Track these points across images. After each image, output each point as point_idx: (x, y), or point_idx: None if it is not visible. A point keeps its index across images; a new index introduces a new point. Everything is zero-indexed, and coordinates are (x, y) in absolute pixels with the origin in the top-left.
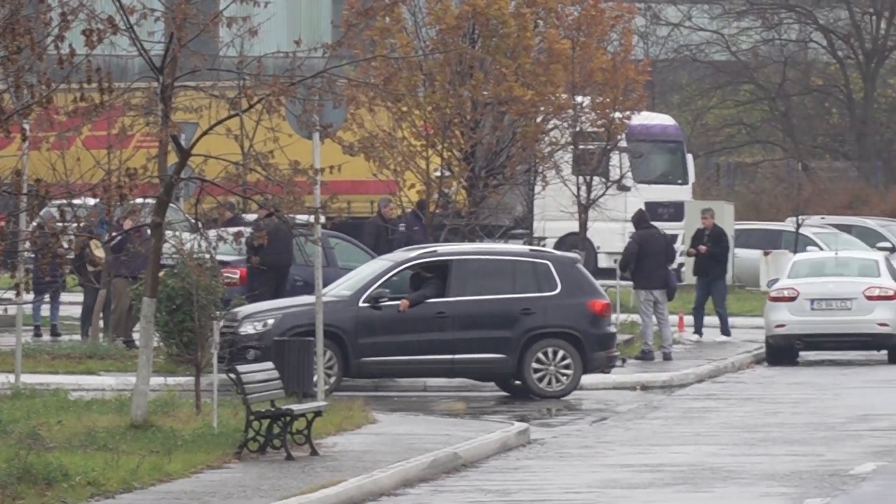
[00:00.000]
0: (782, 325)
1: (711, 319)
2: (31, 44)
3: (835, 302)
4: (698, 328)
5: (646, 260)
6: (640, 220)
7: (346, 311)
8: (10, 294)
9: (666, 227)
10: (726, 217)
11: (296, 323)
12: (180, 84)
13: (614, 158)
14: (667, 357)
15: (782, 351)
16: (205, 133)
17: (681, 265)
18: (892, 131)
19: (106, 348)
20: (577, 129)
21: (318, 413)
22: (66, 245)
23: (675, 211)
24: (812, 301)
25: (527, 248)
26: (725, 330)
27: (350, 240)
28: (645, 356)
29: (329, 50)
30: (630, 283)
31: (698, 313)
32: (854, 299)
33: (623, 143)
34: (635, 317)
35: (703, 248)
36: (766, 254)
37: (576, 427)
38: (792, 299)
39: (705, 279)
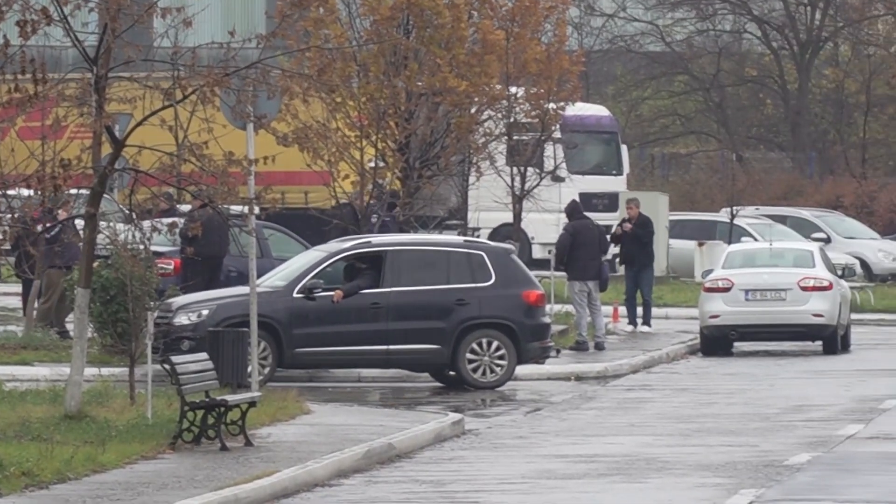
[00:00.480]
0: (717, 316)
1: (660, 311)
2: None
3: (769, 293)
4: (632, 319)
5: (580, 251)
6: (574, 211)
7: (280, 301)
8: None
9: (600, 217)
10: (661, 208)
11: (230, 314)
12: (114, 75)
13: (548, 149)
14: (599, 347)
15: (717, 341)
16: (139, 124)
17: (614, 256)
18: (827, 122)
19: (40, 339)
20: (512, 119)
21: (252, 404)
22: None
23: (609, 202)
24: (747, 292)
25: (461, 238)
26: (647, 321)
27: (284, 230)
28: (579, 347)
29: (263, 41)
30: (565, 273)
31: (630, 304)
32: (789, 290)
33: (557, 134)
34: (569, 307)
35: (627, 225)
36: (700, 244)
37: (510, 418)
38: (726, 290)
39: (633, 269)
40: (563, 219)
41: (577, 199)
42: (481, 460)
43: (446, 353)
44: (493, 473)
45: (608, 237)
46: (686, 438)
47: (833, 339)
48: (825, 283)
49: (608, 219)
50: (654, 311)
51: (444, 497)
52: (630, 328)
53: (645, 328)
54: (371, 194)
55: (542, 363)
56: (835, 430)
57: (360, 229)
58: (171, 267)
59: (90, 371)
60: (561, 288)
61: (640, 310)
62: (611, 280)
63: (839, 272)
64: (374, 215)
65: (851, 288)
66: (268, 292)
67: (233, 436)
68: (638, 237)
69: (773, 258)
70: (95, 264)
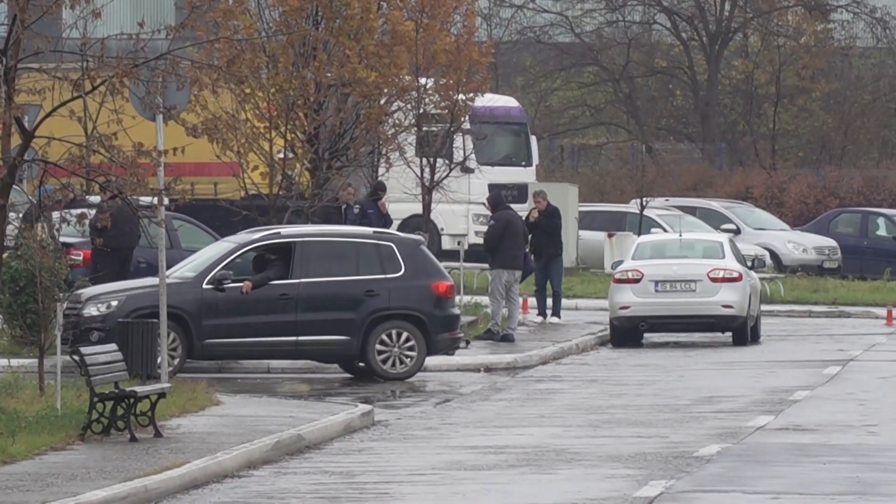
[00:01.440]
0: (626, 307)
1: (570, 302)
2: None
3: (679, 284)
4: (541, 310)
5: (509, 241)
6: (499, 201)
7: (189, 292)
8: None
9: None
10: (570, 199)
11: (139, 305)
12: (23, 66)
13: (458, 140)
14: (507, 338)
15: (627, 333)
16: (48, 115)
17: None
18: (737, 113)
19: None
20: (421, 110)
21: (161, 395)
22: None
23: (518, 193)
24: (656, 283)
25: (370, 230)
26: (557, 311)
27: (194, 222)
28: (492, 336)
29: (172, 32)
30: (474, 264)
31: (540, 295)
32: (698, 281)
33: (467, 125)
34: (479, 298)
35: (535, 213)
36: (610, 236)
37: (420, 409)
38: (636, 281)
39: (542, 260)
40: (473, 210)
41: (487, 190)
42: (391, 451)
43: (356, 344)
44: (403, 465)
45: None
46: (596, 430)
47: (743, 331)
48: (735, 275)
49: (518, 210)
50: (564, 302)
51: (353, 488)
52: (540, 319)
53: (555, 319)
54: (280, 185)
55: (452, 354)
56: (745, 422)
57: (381, 223)
58: (81, 258)
59: None
60: (470, 279)
61: (549, 301)
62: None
63: (749, 263)
64: (356, 206)
65: (761, 279)
66: (177, 283)
67: (142, 427)
68: (544, 228)
69: (683, 249)
70: (5, 256)
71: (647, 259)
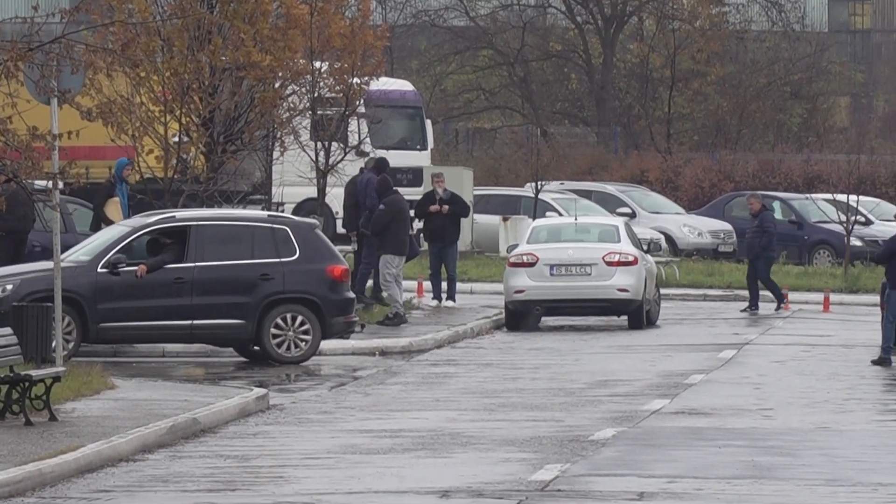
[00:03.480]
0: (521, 291)
1: (465, 286)
2: None
3: (574, 268)
4: (436, 294)
5: (398, 226)
6: (387, 186)
7: (84, 276)
8: None
9: (405, 192)
10: (465, 183)
11: (34, 288)
12: None
13: (353, 124)
14: (398, 317)
15: (522, 316)
16: None
17: (419, 231)
18: (632, 97)
19: None
20: (316, 94)
21: (56, 378)
22: None
23: (413, 177)
24: (551, 267)
25: (265, 213)
26: (452, 295)
27: (89, 205)
28: (398, 320)
29: (67, 15)
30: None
31: (435, 279)
32: (594, 265)
33: (361, 109)
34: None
35: (445, 208)
36: (504, 219)
37: (315, 393)
38: (531, 265)
39: (438, 245)
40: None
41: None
42: (286, 435)
43: (251, 327)
44: (298, 448)
45: (412, 212)
46: (491, 413)
47: (638, 314)
48: (630, 259)
49: (413, 193)
50: (459, 285)
51: (248, 472)
52: (435, 303)
53: (449, 303)
54: (175, 169)
55: (347, 338)
56: (640, 405)
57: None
58: None
59: None
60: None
61: (444, 285)
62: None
63: (645, 247)
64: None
65: (657, 263)
66: (72, 267)
67: (37, 411)
68: (453, 219)
69: (579, 233)
70: None
71: (543, 243)
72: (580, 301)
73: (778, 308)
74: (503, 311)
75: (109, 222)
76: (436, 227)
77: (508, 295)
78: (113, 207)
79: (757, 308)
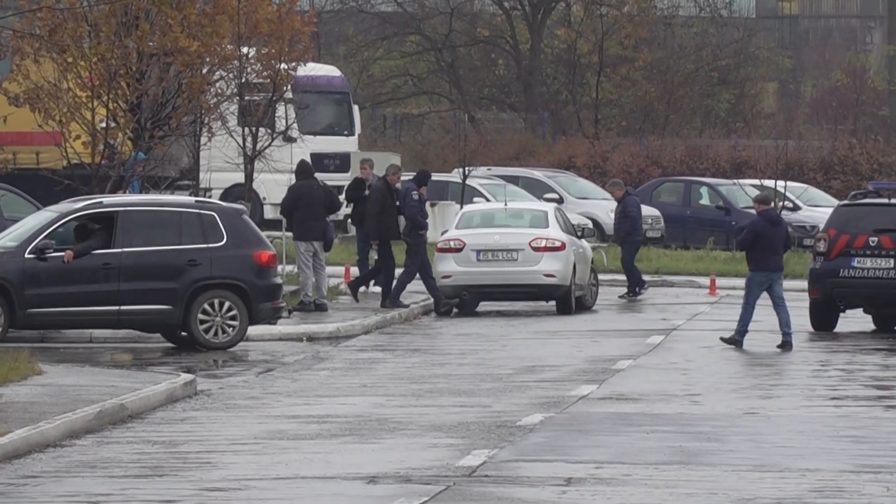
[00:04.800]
0: (449, 276)
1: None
2: None
3: (501, 253)
4: (365, 280)
5: (303, 211)
6: (301, 170)
7: (11, 262)
8: None
9: (332, 178)
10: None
11: None
12: None
13: (280, 110)
14: (321, 308)
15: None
16: None
17: (346, 216)
18: (559, 82)
19: None
20: (243, 80)
21: None
22: None
23: (341, 162)
24: (478, 252)
25: (193, 199)
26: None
27: (16, 191)
28: (304, 308)
29: None
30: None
31: (362, 265)
32: (520, 250)
33: (289, 95)
34: None
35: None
36: (432, 205)
37: (242, 378)
38: (458, 250)
39: (365, 230)
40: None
41: (309, 159)
42: (213, 421)
43: (178, 313)
44: (226, 434)
45: (343, 198)
46: (418, 399)
47: (566, 300)
48: (558, 244)
49: (340, 179)
50: None
51: (176, 457)
52: (362, 289)
53: (377, 289)
54: (103, 155)
55: (275, 324)
56: (567, 391)
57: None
58: None
59: None
60: (292, 248)
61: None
62: (344, 240)
63: (579, 233)
64: (415, 192)
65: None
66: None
67: None
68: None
69: (509, 219)
70: None
71: (471, 228)
72: (506, 286)
73: (628, 294)
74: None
75: None
76: (362, 213)
77: (437, 280)
78: None
79: (637, 294)
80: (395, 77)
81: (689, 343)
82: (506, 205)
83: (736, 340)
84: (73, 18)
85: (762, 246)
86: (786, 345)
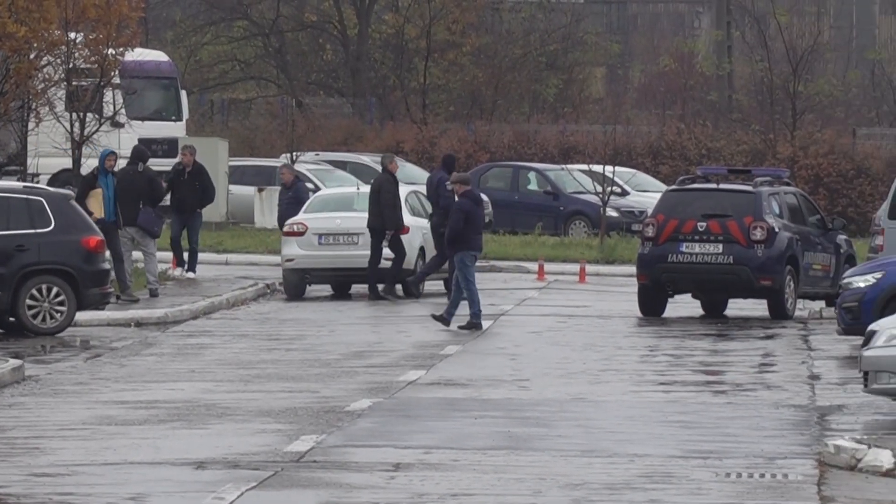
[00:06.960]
0: (292, 259)
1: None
2: None
3: (342, 237)
4: (181, 262)
5: (120, 197)
6: (131, 157)
7: None
8: None
9: (160, 163)
10: (220, 153)
11: None
12: None
13: (108, 95)
14: (153, 294)
15: (295, 285)
16: None
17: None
18: (387, 67)
19: None
20: (71, 65)
21: None
22: None
23: (168, 147)
24: (320, 236)
25: (20, 184)
26: (193, 267)
27: None
28: (150, 292)
29: None
30: None
31: (175, 247)
32: (361, 234)
33: (117, 80)
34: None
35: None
36: (260, 190)
37: (70, 364)
38: (301, 234)
39: (183, 214)
40: (123, 164)
41: (138, 143)
42: (41, 406)
43: (6, 298)
44: (54, 419)
45: (164, 183)
46: (246, 384)
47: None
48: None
49: (168, 164)
50: (214, 256)
51: (3, 443)
52: (190, 275)
53: (189, 275)
54: None
55: (103, 309)
56: (396, 377)
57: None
58: None
59: None
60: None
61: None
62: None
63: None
64: (447, 183)
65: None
66: None
67: None
68: (194, 185)
69: (359, 203)
70: None
71: (318, 212)
72: (347, 270)
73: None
74: (259, 281)
75: (90, 213)
76: (179, 198)
77: (283, 263)
78: (94, 199)
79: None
80: (223, 62)
81: (517, 328)
82: (358, 189)
83: (445, 319)
84: None
85: (473, 226)
86: (443, 320)
